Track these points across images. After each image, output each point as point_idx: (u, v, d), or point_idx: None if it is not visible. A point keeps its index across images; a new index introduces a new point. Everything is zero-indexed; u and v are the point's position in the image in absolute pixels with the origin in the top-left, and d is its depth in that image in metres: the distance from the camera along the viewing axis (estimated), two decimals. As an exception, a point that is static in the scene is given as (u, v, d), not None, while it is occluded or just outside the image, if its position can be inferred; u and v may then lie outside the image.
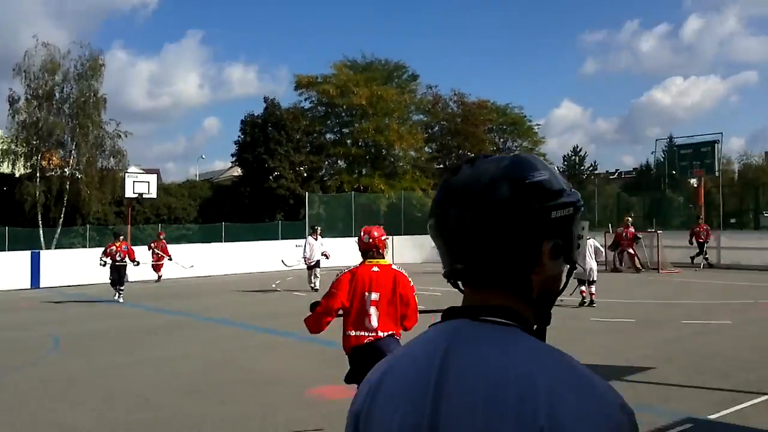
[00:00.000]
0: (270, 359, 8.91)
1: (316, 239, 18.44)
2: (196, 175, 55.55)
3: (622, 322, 11.20)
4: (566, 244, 1.15)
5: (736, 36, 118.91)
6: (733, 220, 33.48)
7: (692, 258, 21.81)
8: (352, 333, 5.09)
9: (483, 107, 44.71)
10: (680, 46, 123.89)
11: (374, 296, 5.00)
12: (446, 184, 1.17)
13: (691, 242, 21.90)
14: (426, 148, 44.36)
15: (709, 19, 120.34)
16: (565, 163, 65.40)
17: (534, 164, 1.14)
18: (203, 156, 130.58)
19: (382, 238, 5.28)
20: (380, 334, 4.98)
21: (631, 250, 21.57)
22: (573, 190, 1.17)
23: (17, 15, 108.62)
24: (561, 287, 1.23)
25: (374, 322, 5.00)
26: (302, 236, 29.48)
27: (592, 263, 12.63)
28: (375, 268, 5.10)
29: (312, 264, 18.08)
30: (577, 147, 67.08)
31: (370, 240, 5.23)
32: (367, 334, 5.03)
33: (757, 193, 35.08)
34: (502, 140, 49.62)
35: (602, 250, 13.43)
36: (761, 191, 35.98)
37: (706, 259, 21.62)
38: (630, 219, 22.61)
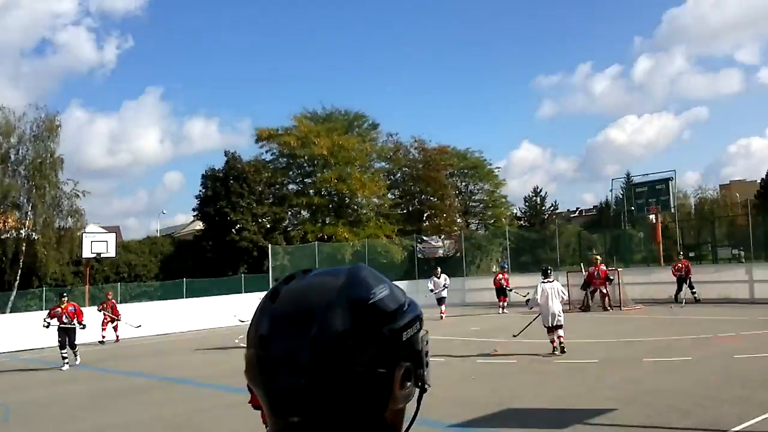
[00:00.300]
0: (234, 419, 8.70)
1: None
2: (157, 231, 54.87)
3: (585, 363, 11.26)
4: (416, 365, 0.97)
5: (684, 74, 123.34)
6: (691, 254, 34.19)
7: (675, 295, 21.62)
8: None
9: (443, 152, 45.36)
10: (632, 86, 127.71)
11: None
12: (269, 310, 0.96)
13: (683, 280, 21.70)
14: (389, 195, 44.74)
15: (658, 59, 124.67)
16: (527, 203, 66.21)
17: (371, 278, 0.98)
18: (164, 211, 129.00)
19: None
20: None
21: (603, 290, 21.64)
22: (410, 299, 1.02)
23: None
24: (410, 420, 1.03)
25: None
26: (266, 288, 29.22)
27: (555, 307, 12.11)
28: None
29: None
30: (538, 187, 68.03)
31: None
32: None
33: (713, 226, 35.96)
34: (463, 184, 50.27)
35: (565, 292, 12.91)
36: (717, 224, 36.92)
37: (694, 293, 21.28)
38: (599, 258, 22.86)
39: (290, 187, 42.93)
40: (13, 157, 31.99)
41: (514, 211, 57.53)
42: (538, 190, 67.74)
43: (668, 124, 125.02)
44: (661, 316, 18.47)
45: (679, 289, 21.52)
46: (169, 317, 24.78)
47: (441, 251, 34.35)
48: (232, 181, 38.15)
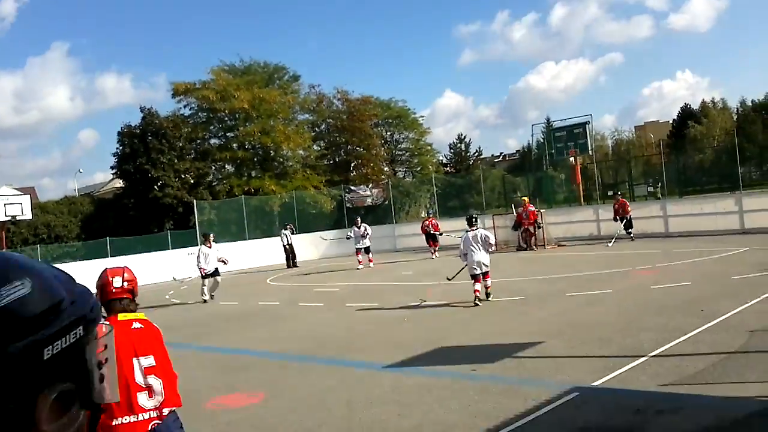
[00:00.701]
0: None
1: (209, 247, 17.34)
2: (75, 190, 52.85)
3: (512, 300, 11.66)
4: (80, 384, 0.74)
5: (598, 21, 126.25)
6: (610, 193, 35.54)
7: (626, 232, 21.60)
8: (120, 421, 3.33)
9: (367, 103, 45.14)
10: (549, 33, 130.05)
11: (148, 361, 3.61)
12: None
13: (615, 219, 21.85)
14: (314, 147, 44.37)
15: (573, 7, 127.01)
16: (452, 150, 67.06)
17: (4, 272, 0.71)
18: (81, 170, 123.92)
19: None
20: (164, 412, 3.54)
21: (531, 229, 22.25)
22: (80, 290, 0.78)
23: None
24: None
25: (156, 398, 3.53)
26: (194, 244, 28.77)
27: (481, 256, 11.45)
28: (137, 324, 3.77)
29: (208, 273, 16.98)
30: (462, 134, 68.95)
31: (125, 285, 3.92)
32: (143, 417, 3.44)
33: (629, 166, 37.41)
34: (389, 133, 50.33)
35: (491, 238, 11.86)
36: (633, 164, 38.41)
37: (629, 232, 21.40)
38: (526, 199, 23.39)
39: (212, 141, 41.96)
40: None
41: (440, 158, 58.24)
42: (463, 137, 68.62)
43: (585, 69, 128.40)
44: (582, 253, 19.22)
45: (629, 224, 21.47)
46: (94, 277, 24.06)
47: (369, 200, 34.52)
48: (150, 138, 36.92)
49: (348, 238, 23.14)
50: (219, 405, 6.76)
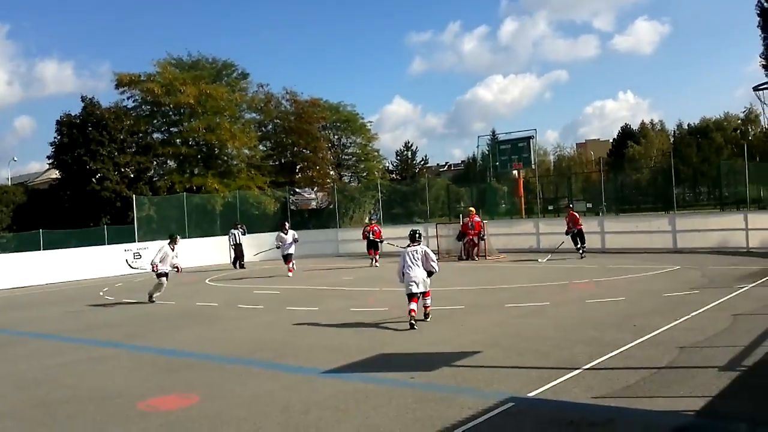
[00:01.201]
0: (97, 373, 8.37)
1: (173, 249, 16.43)
2: (8, 179, 50.85)
3: (452, 309, 11.77)
4: None
5: (546, 38, 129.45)
6: (550, 207, 36.35)
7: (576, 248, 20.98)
8: None
9: (316, 105, 45.00)
10: (498, 47, 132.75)
11: None
12: None
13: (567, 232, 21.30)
14: (260, 147, 43.96)
15: (523, 23, 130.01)
16: (398, 157, 67.55)
17: None
18: (15, 158, 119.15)
19: None
20: None
21: (475, 240, 22.44)
22: None
23: None
24: None
25: None
26: (131, 240, 28.13)
27: (419, 272, 10.51)
28: None
29: (161, 273, 16.03)
30: (409, 142, 69.67)
31: None
32: None
33: (570, 181, 38.38)
34: (336, 137, 50.26)
35: (433, 256, 10.84)
36: (574, 180, 39.42)
37: (579, 249, 20.73)
38: (473, 209, 23.50)
39: (155, 136, 41.08)
40: None
41: (386, 164, 58.49)
42: (409, 145, 69.28)
43: (531, 84, 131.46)
44: (522, 265, 19.56)
45: (577, 240, 20.94)
46: (25, 270, 23.34)
47: (314, 203, 34.42)
48: (90, 128, 35.95)
49: (277, 247, 21.08)
50: (152, 406, 6.59)
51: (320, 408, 6.20)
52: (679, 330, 8.75)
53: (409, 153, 67.99)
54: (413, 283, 10.42)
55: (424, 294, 10.68)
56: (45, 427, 6.20)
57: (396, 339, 9.37)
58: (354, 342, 9.27)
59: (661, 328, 8.85)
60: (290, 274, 20.19)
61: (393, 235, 23.52)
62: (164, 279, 16.02)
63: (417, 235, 11.14)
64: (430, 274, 10.70)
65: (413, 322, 10.11)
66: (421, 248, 10.81)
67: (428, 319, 10.63)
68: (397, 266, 10.92)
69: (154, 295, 16.02)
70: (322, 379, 7.32)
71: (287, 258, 20.54)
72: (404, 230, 25.98)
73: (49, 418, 6.45)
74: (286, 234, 20.65)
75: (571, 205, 23.88)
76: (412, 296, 10.42)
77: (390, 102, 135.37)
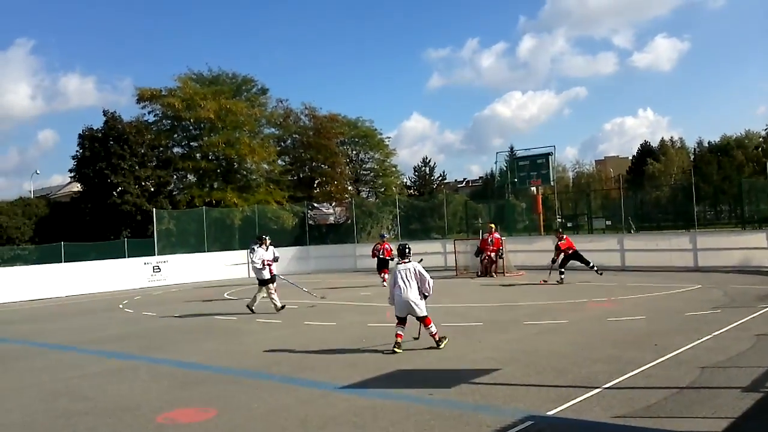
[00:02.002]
0: (117, 386, 8.42)
1: (266, 250, 15.47)
2: (30, 192, 51.55)
3: (470, 326, 11.71)
4: None
5: (565, 55, 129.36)
6: (569, 224, 36.10)
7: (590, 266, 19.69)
8: None
9: (334, 120, 45.30)
10: (517, 64, 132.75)
11: None
12: None
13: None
14: (279, 161, 44.23)
15: (542, 39, 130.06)
16: (416, 173, 67.58)
17: None
18: (38, 171, 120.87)
19: None
20: None
21: (493, 256, 22.27)
22: None
23: None
24: None
25: None
26: (151, 253, 28.39)
27: (412, 294, 9.63)
28: None
29: (265, 279, 15.16)
30: (427, 158, 69.52)
31: None
32: None
33: (588, 198, 38.13)
34: (354, 152, 50.47)
35: (425, 274, 9.81)
36: (593, 197, 39.17)
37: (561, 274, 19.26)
38: (493, 226, 23.23)
39: (175, 150, 41.57)
40: None
41: (404, 180, 58.56)
42: (427, 161, 69.24)
43: (550, 101, 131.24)
44: (540, 283, 19.43)
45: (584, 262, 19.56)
46: (47, 282, 23.63)
47: (332, 218, 34.46)
48: (112, 142, 36.45)
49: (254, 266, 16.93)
50: (169, 419, 6.62)
51: (337, 423, 6.19)
52: (700, 350, 8.64)
53: (427, 169, 68.02)
54: (413, 305, 9.55)
55: (425, 320, 9.69)
56: (66, 439, 6.25)
57: (413, 355, 9.33)
58: (371, 357, 9.25)
59: (683, 347, 8.74)
60: (276, 304, 16.45)
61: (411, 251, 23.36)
62: (271, 285, 15.18)
63: (407, 251, 10.21)
64: (423, 297, 9.76)
65: (398, 347, 9.40)
66: (413, 266, 9.83)
67: (442, 346, 9.60)
68: (389, 290, 10.00)
69: (254, 305, 15.21)
70: (338, 394, 7.31)
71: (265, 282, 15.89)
72: (423, 246, 26.22)
73: (70, 429, 6.49)
74: (266, 250, 16.38)
75: (560, 229, 22.09)
76: (401, 320, 9.65)
77: (408, 118, 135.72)
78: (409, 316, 9.77)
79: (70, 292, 23.99)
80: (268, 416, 6.57)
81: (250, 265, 16.85)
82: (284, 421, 6.35)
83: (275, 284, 15.54)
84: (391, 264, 21.12)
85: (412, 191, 59.92)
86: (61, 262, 26.69)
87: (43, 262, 26.39)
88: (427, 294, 9.80)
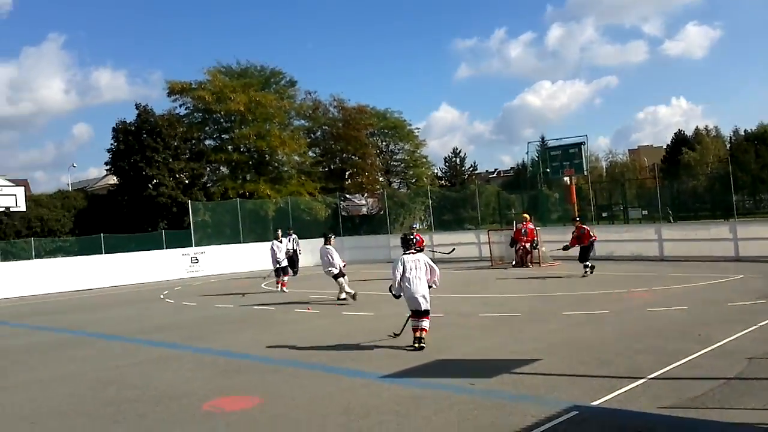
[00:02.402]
0: (163, 374, 8.59)
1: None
2: (68, 185, 52.60)
3: (509, 317, 11.67)
4: None
5: (594, 44, 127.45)
6: (604, 214, 35.71)
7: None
8: None
9: (363, 112, 45.28)
10: (545, 53, 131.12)
11: None
12: None
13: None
14: (310, 153, 44.37)
15: (570, 29, 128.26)
16: (447, 164, 67.33)
17: None
18: (75, 164, 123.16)
19: None
20: None
21: (528, 246, 22.11)
22: None
23: None
24: None
25: None
26: (188, 244, 28.81)
27: (422, 288, 9.26)
28: None
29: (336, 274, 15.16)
30: (457, 148, 69.10)
31: None
32: None
33: (623, 188, 37.64)
34: (384, 143, 50.42)
35: (434, 266, 9.49)
36: (627, 186, 38.66)
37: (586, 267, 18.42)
38: (527, 216, 23.04)
39: (207, 142, 41.96)
40: None
41: (435, 171, 58.33)
42: (458, 151, 68.91)
43: (580, 90, 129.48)
44: (577, 273, 19.26)
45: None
46: (87, 273, 24.17)
47: (365, 209, 34.56)
48: (145, 135, 36.95)
49: (278, 263, 19.14)
50: (215, 407, 6.73)
51: (380, 412, 6.23)
52: (747, 340, 8.50)
53: (458, 159, 67.70)
54: (422, 299, 9.19)
55: (425, 314, 9.27)
56: (118, 425, 6.39)
57: (453, 345, 9.34)
58: (411, 347, 9.25)
59: (728, 338, 8.59)
60: (284, 288, 18.50)
61: (445, 242, 23.38)
62: (342, 279, 15.16)
63: (411, 240, 9.86)
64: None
65: (422, 341, 9.06)
66: (422, 258, 9.48)
67: (421, 346, 9.01)
68: (393, 276, 9.37)
69: (344, 294, 15.17)
70: (380, 383, 7.36)
71: (283, 271, 18.91)
72: (456, 237, 26.17)
73: (120, 416, 6.64)
74: (282, 241, 19.38)
75: (578, 218, 21.42)
76: (418, 314, 9.24)
77: (437, 108, 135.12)
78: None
79: (111, 283, 24.50)
80: (311, 404, 6.64)
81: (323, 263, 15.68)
82: (327, 410, 6.42)
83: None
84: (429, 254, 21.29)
85: (443, 182, 59.70)
86: (101, 253, 27.25)
87: (84, 254, 26.98)
88: (434, 286, 9.54)
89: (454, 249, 23.03)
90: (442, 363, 8.26)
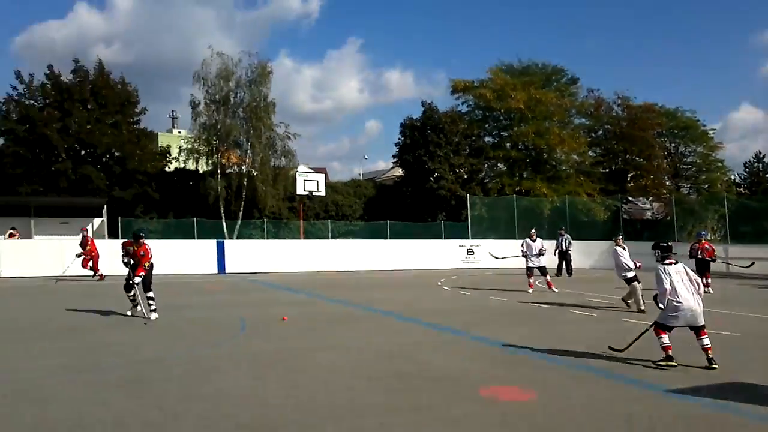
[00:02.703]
0: (442, 355, 8.98)
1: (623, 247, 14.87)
2: (360, 175, 57.72)
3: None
4: None
5: None
6: None
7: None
8: None
9: (650, 111, 42.54)
10: None
11: None
12: None
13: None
14: (590, 152, 42.92)
15: None
16: (747, 169, 60.31)
17: None
18: (366, 156, 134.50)
19: None
20: None
21: None
22: None
23: (195, 27, 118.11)
24: None
25: None
26: (465, 237, 29.78)
27: (692, 301, 8.32)
28: None
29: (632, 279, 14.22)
30: (760, 153, 61.37)
31: None
32: None
33: None
34: (673, 145, 46.82)
35: (698, 279, 8.54)
36: None
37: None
38: None
39: (486, 139, 42.84)
40: (232, 99, 34.91)
41: (733, 177, 52.54)
42: (761, 156, 61.22)
43: None
44: None
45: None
46: (375, 255, 26.37)
47: (649, 213, 32.50)
48: (429, 131, 38.88)
49: (524, 256, 18.85)
50: (492, 394, 6.85)
51: (668, 428, 5.83)
52: None
53: (761, 165, 60.18)
54: (698, 314, 8.26)
55: (701, 330, 8.34)
56: (400, 394, 6.82)
57: (750, 368, 8.36)
58: (699, 361, 8.44)
59: None
60: (530, 290, 18.07)
61: (741, 255, 20.94)
62: (636, 284, 14.08)
63: (670, 249, 8.87)
64: None
65: (713, 361, 8.14)
66: (683, 267, 8.56)
67: (713, 366, 8.12)
68: (659, 288, 8.42)
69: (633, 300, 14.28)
70: (666, 397, 6.87)
71: (542, 271, 18.54)
72: (754, 251, 23.27)
73: (403, 386, 7.09)
74: (534, 242, 18.78)
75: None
76: (698, 329, 8.32)
77: (736, 109, 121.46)
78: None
79: (393, 267, 26.38)
80: (589, 408, 6.44)
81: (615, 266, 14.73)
82: (606, 416, 6.17)
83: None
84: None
85: (742, 190, 53.57)
86: (386, 238, 29.43)
87: (371, 238, 29.43)
88: (701, 297, 8.42)
89: (753, 263, 20.59)
90: (740, 385, 7.46)
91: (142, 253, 12.15)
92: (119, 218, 30.08)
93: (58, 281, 19.60)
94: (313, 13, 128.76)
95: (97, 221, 30.17)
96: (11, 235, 23.85)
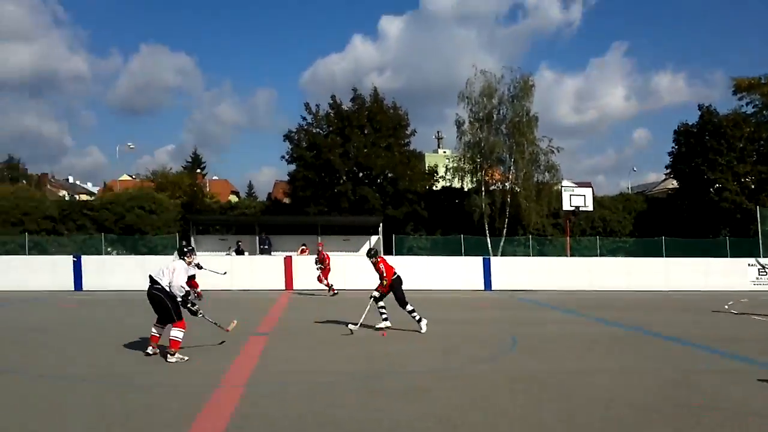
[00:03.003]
0: (731, 386, 8.18)
1: None
2: (628, 188, 54.75)
3: None
4: None
5: None
6: None
7: None
8: None
9: None
10: None
11: None
12: None
13: None
14: None
15: None
16: None
17: None
18: (635, 168, 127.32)
19: None
20: None
21: None
22: None
23: (457, 48, 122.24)
24: None
25: None
26: (754, 254, 26.71)
27: None
28: None
29: None
30: None
31: None
32: None
33: None
34: None
35: None
36: None
37: None
38: None
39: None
40: (495, 116, 35.34)
41: None
42: None
43: None
44: None
45: None
46: (648, 274, 24.92)
47: None
48: (707, 137, 35.63)
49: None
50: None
51: None
52: None
53: None
54: None
55: None
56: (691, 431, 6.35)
57: None
58: None
59: None
60: None
61: None
62: None
63: None
64: None
65: None
66: None
67: None
68: None
69: None
70: None
71: None
72: None
73: (692, 421, 6.57)
74: None
75: None
76: None
77: None
78: None
79: (670, 286, 24.67)
80: None
81: None
82: None
83: None
84: None
85: None
86: (661, 256, 27.53)
87: (642, 255, 27.74)
88: None
89: None
90: None
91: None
92: (393, 235, 32.23)
93: (334, 294, 21.18)
94: (575, 21, 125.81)
95: (374, 238, 32.66)
96: (302, 251, 26.69)
